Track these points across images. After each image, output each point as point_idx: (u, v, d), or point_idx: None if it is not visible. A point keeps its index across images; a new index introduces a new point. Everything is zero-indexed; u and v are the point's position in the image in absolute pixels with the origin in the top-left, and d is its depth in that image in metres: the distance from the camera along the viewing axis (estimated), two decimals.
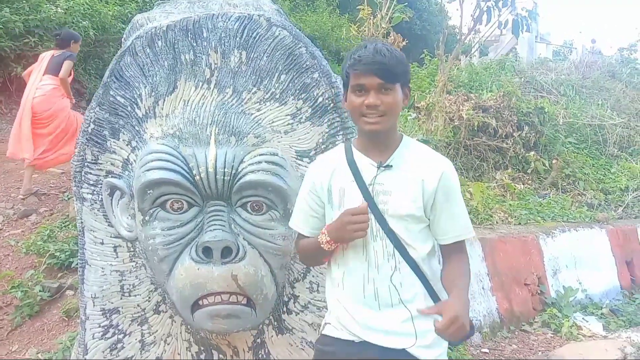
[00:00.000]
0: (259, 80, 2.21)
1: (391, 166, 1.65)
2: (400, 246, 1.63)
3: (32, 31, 8.03)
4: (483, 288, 4.18)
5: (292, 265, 2.29)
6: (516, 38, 7.00)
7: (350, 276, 1.67)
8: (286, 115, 2.23)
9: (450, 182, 1.67)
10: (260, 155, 2.14)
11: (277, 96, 2.22)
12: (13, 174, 5.92)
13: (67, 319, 3.11)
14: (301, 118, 2.25)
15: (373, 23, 4.59)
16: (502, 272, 4.39)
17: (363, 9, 4.78)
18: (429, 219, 1.67)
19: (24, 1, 8.01)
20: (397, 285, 1.63)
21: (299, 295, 2.32)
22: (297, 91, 2.23)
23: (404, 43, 4.83)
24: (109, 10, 9.06)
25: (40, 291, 3.24)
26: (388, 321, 1.63)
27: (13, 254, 3.90)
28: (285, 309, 2.33)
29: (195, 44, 2.20)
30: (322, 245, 1.65)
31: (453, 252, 1.70)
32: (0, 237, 4.35)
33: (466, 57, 11.21)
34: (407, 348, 1.61)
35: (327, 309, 1.82)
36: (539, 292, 4.61)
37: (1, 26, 7.55)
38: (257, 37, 2.20)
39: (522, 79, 10.05)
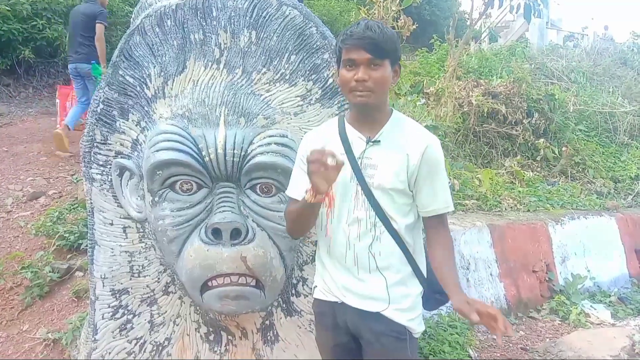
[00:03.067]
0: (269, 60, 2.19)
1: (379, 141, 1.72)
2: (383, 217, 1.71)
3: (40, 13, 8.04)
4: (491, 274, 4.16)
5: (301, 247, 2.29)
6: (527, 23, 6.90)
7: (336, 243, 1.76)
8: (296, 97, 2.22)
9: (433, 157, 1.72)
10: (269, 136, 2.13)
11: (287, 77, 2.20)
12: (22, 156, 5.94)
13: (76, 300, 3.12)
14: (311, 100, 2.23)
15: (383, 6, 4.52)
16: (510, 258, 4.37)
17: None
18: (412, 192, 1.74)
19: None
20: (376, 253, 1.72)
21: (307, 278, 2.32)
22: (307, 72, 2.21)
23: (414, 27, 4.75)
24: None
25: (50, 272, 3.26)
26: (365, 286, 1.74)
27: (23, 235, 3.92)
28: (293, 291, 2.33)
29: (204, 23, 2.18)
30: (305, 197, 1.65)
31: (434, 225, 1.78)
32: (10, 218, 4.37)
33: (476, 42, 11.10)
34: (381, 311, 1.72)
35: None
36: (547, 279, 4.58)
37: (9, 8, 7.55)
38: (267, 16, 2.18)
39: (533, 66, 9.94)
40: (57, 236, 3.55)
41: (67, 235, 3.53)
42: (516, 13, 6.30)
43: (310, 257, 2.30)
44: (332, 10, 13.49)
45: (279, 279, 2.21)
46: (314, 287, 1.92)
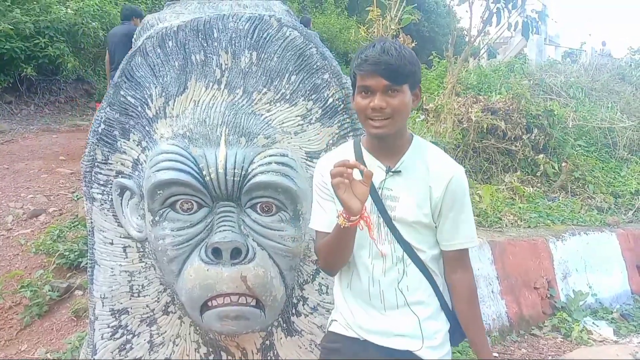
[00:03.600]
0: (270, 80, 2.21)
1: (400, 171, 1.62)
2: (409, 250, 1.61)
3: (43, 32, 8.12)
4: (492, 291, 4.15)
5: (302, 267, 2.28)
6: (526, 40, 6.95)
7: (358, 277, 1.65)
8: (296, 116, 2.23)
9: (458, 189, 1.62)
10: (270, 156, 2.13)
11: (288, 97, 2.22)
12: (23, 173, 5.96)
13: (75, 319, 3.11)
14: (311, 119, 2.24)
15: (382, 24, 4.58)
16: (512, 275, 4.36)
17: (372, 10, 4.78)
18: (436, 225, 1.64)
19: (35, 2, 8.10)
20: (404, 289, 1.62)
21: (308, 297, 2.31)
22: (308, 92, 2.23)
23: (413, 44, 4.81)
24: (118, 11, 9.10)
25: (49, 291, 3.25)
26: (393, 323, 1.62)
27: (22, 254, 3.92)
28: (294, 311, 2.32)
29: (206, 44, 2.20)
30: (338, 222, 1.51)
31: (454, 260, 1.67)
32: (10, 236, 4.37)
33: (475, 59, 11.17)
34: (414, 350, 1.61)
35: None
36: (549, 295, 4.56)
37: (12, 27, 7.63)
38: (268, 37, 2.20)
39: (531, 82, 9.99)
40: (57, 254, 3.55)
41: (67, 253, 3.52)
42: (514, 30, 6.34)
43: (311, 277, 2.30)
44: (332, 27, 13.64)
45: (280, 299, 2.20)
46: (331, 321, 1.79)
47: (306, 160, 2.23)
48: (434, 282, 1.65)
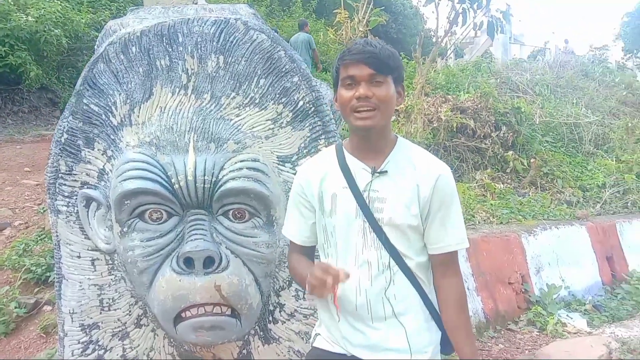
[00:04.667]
0: (238, 85, 2.17)
1: (386, 172, 1.55)
2: (396, 256, 1.54)
3: (2, 40, 7.86)
4: (468, 288, 4.16)
5: (277, 273, 2.25)
6: (491, 39, 7.05)
7: (343, 287, 1.52)
8: (266, 120, 2.19)
9: (446, 188, 1.55)
10: (241, 161, 2.09)
11: (257, 101, 2.18)
12: None
13: (45, 336, 3.01)
14: (282, 123, 2.21)
15: (350, 26, 4.57)
16: (486, 271, 4.39)
17: (340, 13, 4.77)
18: (424, 227, 1.57)
19: None
20: (391, 297, 1.54)
21: (284, 304, 2.28)
22: (277, 95, 2.19)
23: None
24: (82, 18, 8.93)
25: (15, 307, 3.13)
26: (381, 335, 1.55)
27: None
28: (271, 318, 2.28)
29: (170, 49, 2.15)
30: (306, 284, 1.48)
31: (443, 264, 1.58)
32: None
33: (442, 59, 11.30)
34: None
35: (314, 316, 1.77)
36: (523, 290, 4.62)
37: None
38: (235, 41, 2.16)
39: (498, 80, 10.15)
40: (23, 269, 3.43)
41: (34, 268, 3.41)
42: (479, 30, 6.43)
43: (287, 282, 2.26)
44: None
45: (255, 307, 2.16)
46: (315, 335, 1.71)
47: (278, 164, 2.20)
48: (422, 291, 1.57)
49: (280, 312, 2.28)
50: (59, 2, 8.62)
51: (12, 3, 8.10)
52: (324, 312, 1.67)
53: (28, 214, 5.00)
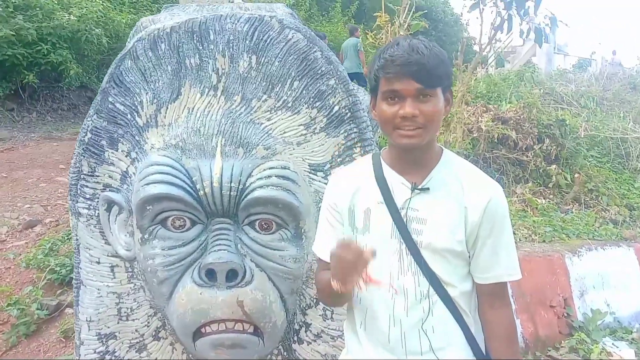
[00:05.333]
0: (270, 87, 2.03)
1: (428, 189, 1.37)
2: (436, 284, 1.37)
3: (45, 38, 8.00)
4: None
5: (304, 290, 2.10)
6: (539, 46, 6.77)
7: (374, 317, 1.41)
8: (299, 126, 2.05)
9: (498, 211, 1.37)
10: (270, 168, 1.96)
11: (290, 104, 2.04)
12: (21, 182, 5.81)
13: (64, 340, 2.93)
14: (315, 128, 2.06)
15: (391, 30, 4.41)
16: (527, 293, 4.14)
17: (380, 16, 4.61)
18: (469, 253, 1.40)
19: (38, 8, 7.98)
20: (429, 330, 1.38)
21: (311, 323, 2.12)
22: (312, 99, 2.05)
23: None
24: (123, 18, 9.01)
25: (37, 309, 3.07)
26: None
27: (14, 267, 3.74)
28: (296, 337, 2.13)
29: (201, 47, 2.03)
30: (332, 283, 1.33)
31: (491, 295, 1.41)
32: (4, 248, 4.20)
33: (482, 68, 11.01)
34: None
35: (342, 338, 1.62)
36: (566, 314, 4.34)
37: (14, 33, 7.51)
38: (269, 40, 2.02)
39: (542, 91, 9.83)
40: (47, 269, 3.37)
41: (58, 268, 3.35)
42: (526, 37, 6.17)
43: (314, 300, 2.10)
44: (339, 36, 13.49)
45: (280, 325, 2.02)
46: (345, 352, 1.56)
47: (309, 173, 2.05)
48: (463, 324, 1.40)
49: (306, 332, 2.12)
50: (100, 2, 8.74)
51: (56, 2, 8.23)
52: (351, 338, 1.50)
53: (59, 211, 4.99)
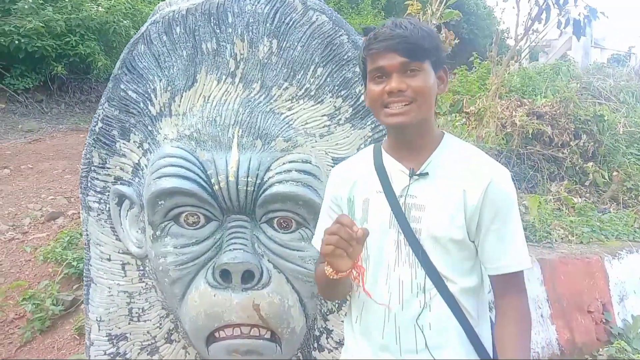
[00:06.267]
0: (292, 73, 1.88)
1: (427, 174, 1.31)
2: (435, 277, 1.28)
3: (74, 30, 8.02)
4: (542, 316, 3.72)
5: None
6: (577, 39, 6.47)
7: (369, 311, 1.35)
8: (322, 116, 1.90)
9: (501, 195, 1.28)
10: (290, 162, 1.82)
11: (313, 93, 1.89)
12: (46, 173, 5.81)
13: (78, 337, 2.84)
14: (340, 119, 1.90)
15: (423, 19, 4.21)
16: (563, 297, 3.92)
17: (412, 5, 4.41)
18: (474, 243, 1.32)
19: (67, 0, 7.98)
20: (425, 327, 1.29)
21: (332, 330, 1.98)
22: (336, 87, 1.89)
23: (456, 41, 4.44)
24: (151, 10, 8.95)
25: (52, 304, 3.00)
26: None
27: (34, 260, 3.69)
28: (316, 344, 1.98)
29: (218, 31, 1.89)
30: (325, 271, 1.29)
31: (501, 288, 1.32)
32: (25, 240, 4.17)
33: (515, 61, 10.65)
34: None
35: None
36: (604, 320, 4.10)
37: (43, 25, 7.53)
38: (291, 23, 1.87)
39: (579, 85, 9.45)
40: (65, 263, 3.30)
41: (75, 263, 3.26)
42: (564, 28, 5.87)
43: (336, 305, 1.96)
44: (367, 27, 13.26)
45: (299, 331, 1.88)
46: (344, 351, 1.51)
47: (333, 167, 1.89)
48: (466, 323, 1.30)
49: (327, 338, 1.98)
50: None
51: None
52: (348, 336, 1.45)
53: None
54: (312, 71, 1.88)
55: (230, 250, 1.79)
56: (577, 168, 6.81)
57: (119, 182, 1.99)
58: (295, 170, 1.80)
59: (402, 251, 1.30)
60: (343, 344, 1.92)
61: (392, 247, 1.31)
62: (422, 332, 1.29)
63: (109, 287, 2.02)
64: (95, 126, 1.98)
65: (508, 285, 1.32)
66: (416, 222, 1.30)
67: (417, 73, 1.26)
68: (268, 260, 1.83)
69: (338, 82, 1.88)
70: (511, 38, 6.31)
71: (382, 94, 1.27)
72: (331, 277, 1.26)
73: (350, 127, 1.90)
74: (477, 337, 1.32)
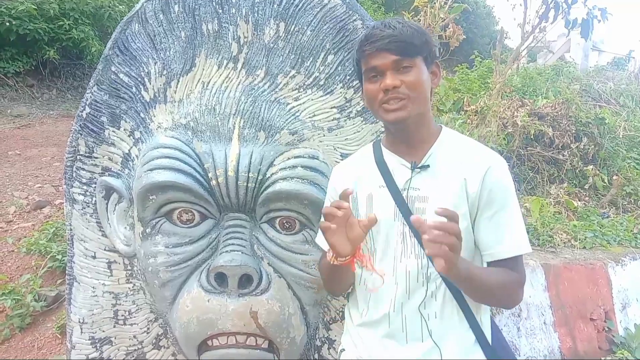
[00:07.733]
0: (300, 60, 1.72)
1: (428, 166, 1.37)
2: None
3: (67, 13, 7.83)
4: (545, 323, 3.61)
5: (329, 301, 1.81)
6: (585, 40, 6.36)
7: (376, 300, 1.39)
8: (332, 108, 1.74)
9: (498, 182, 1.33)
10: (295, 157, 1.67)
11: (322, 82, 1.74)
12: (34, 160, 5.62)
13: (60, 337, 2.67)
14: (351, 112, 1.75)
15: (430, 13, 4.05)
16: (566, 304, 3.81)
17: None
18: (473, 230, 1.37)
19: None
20: (430, 315, 1.35)
21: (335, 340, 1.83)
22: (348, 77, 1.74)
23: (463, 37, 4.30)
24: None
25: (34, 300, 2.82)
26: (416, 357, 1.35)
27: (17, 251, 3.51)
28: (317, 355, 1.84)
29: (221, 11, 1.72)
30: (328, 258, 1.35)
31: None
32: (10, 229, 3.99)
33: (513, 62, 10.54)
34: None
35: None
36: (606, 329, 4.00)
37: (35, 7, 7.33)
38: (300, 4, 1.72)
39: (579, 87, 9.37)
40: (49, 256, 3.12)
41: (60, 256, 3.09)
42: (572, 28, 5.75)
43: (340, 313, 1.81)
44: (375, 20, 13.12)
45: (299, 341, 1.73)
46: (341, 351, 1.52)
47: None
48: (468, 310, 1.36)
49: (329, 349, 1.83)
50: None
51: None
52: (350, 320, 1.49)
53: None
54: (322, 58, 1.72)
55: (227, 251, 1.64)
56: (577, 171, 6.72)
57: (106, 174, 1.82)
58: (301, 167, 1.65)
59: (408, 243, 1.36)
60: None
61: (398, 239, 1.36)
62: (427, 321, 1.34)
63: (94, 287, 1.87)
64: (82, 111, 1.81)
65: (507, 270, 1.34)
66: (420, 214, 1.33)
67: (410, 69, 1.32)
68: (268, 263, 1.68)
69: (350, 72, 1.72)
70: (510, 39, 6.21)
71: (378, 92, 1.33)
72: (332, 262, 1.31)
73: (362, 121, 1.75)
74: (478, 326, 1.37)
